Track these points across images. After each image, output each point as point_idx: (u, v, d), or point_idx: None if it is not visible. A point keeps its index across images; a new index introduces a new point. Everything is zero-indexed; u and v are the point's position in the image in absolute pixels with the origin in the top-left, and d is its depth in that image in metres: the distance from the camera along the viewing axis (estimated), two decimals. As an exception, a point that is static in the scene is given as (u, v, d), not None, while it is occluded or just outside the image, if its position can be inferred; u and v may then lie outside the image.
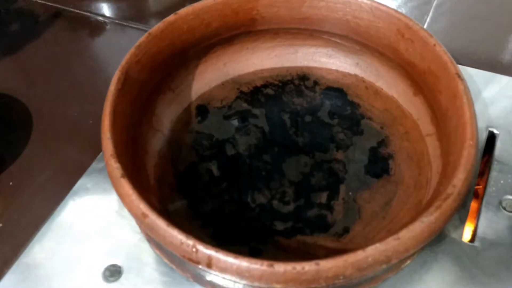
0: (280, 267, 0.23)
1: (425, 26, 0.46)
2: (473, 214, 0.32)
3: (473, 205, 0.33)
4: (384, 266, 0.24)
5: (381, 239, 0.24)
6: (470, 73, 0.40)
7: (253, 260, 0.23)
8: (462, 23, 0.47)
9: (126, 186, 0.26)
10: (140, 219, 0.25)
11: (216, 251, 0.23)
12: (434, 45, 0.32)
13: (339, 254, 0.23)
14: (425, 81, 0.33)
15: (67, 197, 0.33)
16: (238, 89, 0.39)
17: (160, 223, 0.24)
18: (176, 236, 0.24)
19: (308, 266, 0.23)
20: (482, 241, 0.30)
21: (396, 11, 0.34)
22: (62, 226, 0.32)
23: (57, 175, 0.36)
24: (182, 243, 0.24)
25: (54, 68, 0.45)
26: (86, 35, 0.49)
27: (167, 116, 0.36)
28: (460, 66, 0.40)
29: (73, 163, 0.36)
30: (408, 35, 0.33)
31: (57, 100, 0.42)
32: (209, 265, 0.24)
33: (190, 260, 0.24)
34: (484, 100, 0.38)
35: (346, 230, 0.31)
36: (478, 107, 0.37)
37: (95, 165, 0.35)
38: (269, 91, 0.39)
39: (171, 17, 0.34)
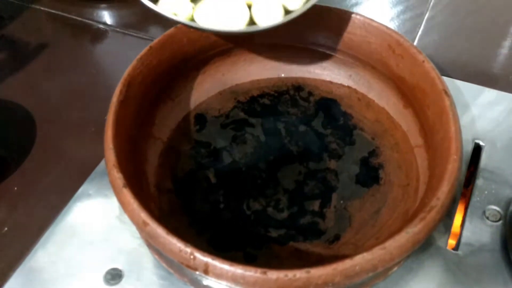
0: (273, 274, 0.24)
1: (416, 39, 0.48)
2: (458, 223, 0.34)
3: (458, 214, 0.34)
4: (370, 274, 0.25)
5: (369, 247, 0.25)
6: (459, 86, 0.41)
7: (248, 268, 0.24)
8: (453, 37, 0.48)
9: (128, 196, 0.27)
10: (141, 227, 0.26)
11: (213, 259, 0.25)
12: (423, 61, 0.33)
13: (329, 262, 0.24)
14: (414, 95, 0.34)
15: (70, 202, 0.35)
16: (235, 98, 0.40)
17: (160, 231, 0.26)
18: (175, 244, 0.25)
19: (299, 274, 0.24)
20: (465, 249, 0.32)
21: (387, 27, 0.35)
22: (65, 231, 0.33)
23: (60, 181, 0.38)
24: (180, 251, 0.25)
25: (56, 75, 0.47)
26: (88, 43, 0.50)
27: (166, 125, 0.38)
28: (449, 79, 0.42)
29: (75, 169, 0.37)
30: (399, 51, 0.35)
31: (59, 107, 0.43)
32: (206, 271, 0.25)
33: (188, 266, 0.25)
34: (472, 112, 0.39)
35: (337, 237, 0.32)
36: (465, 120, 0.39)
37: (96, 171, 0.36)
38: (265, 101, 0.40)
39: (171, 30, 0.36)
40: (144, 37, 0.50)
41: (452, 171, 0.28)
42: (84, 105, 0.43)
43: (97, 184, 0.36)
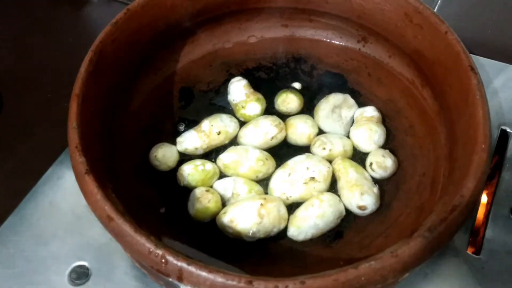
0: (260, 285, 0.20)
1: (435, 10, 0.43)
2: (480, 223, 0.30)
3: (480, 212, 0.30)
4: (379, 286, 0.21)
5: (377, 246, 0.21)
6: (482, 63, 0.38)
7: (230, 276, 0.20)
8: (476, 8, 0.43)
9: (91, 184, 0.23)
10: (105, 222, 0.22)
11: (188, 264, 0.21)
12: (446, 32, 0.29)
13: (329, 265, 0.21)
14: (434, 72, 0.30)
15: (34, 188, 0.31)
16: (227, 71, 0.36)
17: (126, 228, 0.22)
18: (144, 244, 0.21)
19: (292, 285, 0.20)
20: (489, 253, 0.28)
21: (404, -8, 0.31)
22: (27, 221, 0.30)
23: (25, 164, 0.34)
24: (150, 252, 0.21)
25: (29, 43, 0.43)
26: (67, 10, 0.45)
27: (147, 100, 0.34)
28: (471, 56, 0.37)
29: (43, 151, 0.34)
30: (417, 20, 0.30)
31: (30, 80, 0.39)
32: (179, 278, 0.21)
33: (159, 271, 0.21)
34: (497, 94, 0.35)
35: (339, 235, 0.29)
36: (490, 103, 0.34)
37: (66, 154, 0.32)
38: (262, 74, 0.36)
39: (154, -8, 0.31)
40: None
41: (479, 163, 0.23)
42: (57, 78, 0.40)
43: (66, 168, 0.32)
